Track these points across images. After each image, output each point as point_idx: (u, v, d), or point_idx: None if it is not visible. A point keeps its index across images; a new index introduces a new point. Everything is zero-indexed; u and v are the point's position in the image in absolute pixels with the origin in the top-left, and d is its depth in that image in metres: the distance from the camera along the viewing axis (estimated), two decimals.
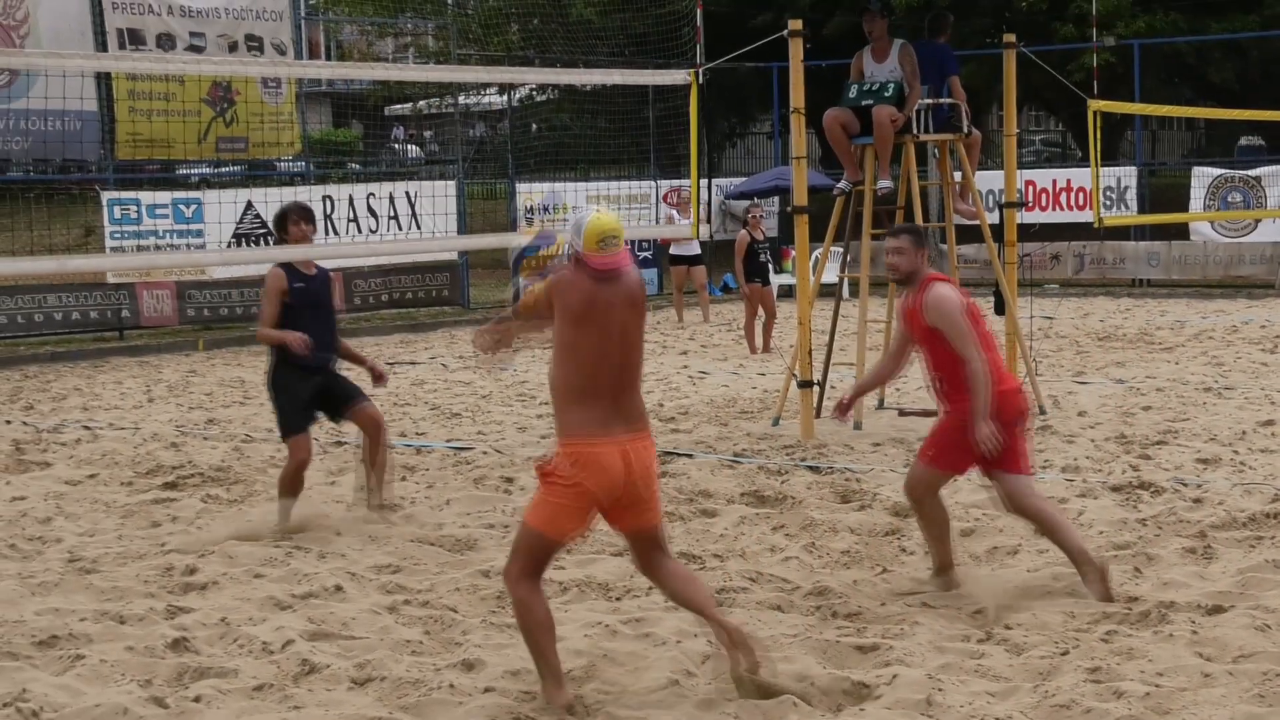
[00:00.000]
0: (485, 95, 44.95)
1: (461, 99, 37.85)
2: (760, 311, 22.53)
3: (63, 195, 33.44)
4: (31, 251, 27.31)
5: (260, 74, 26.84)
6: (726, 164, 40.89)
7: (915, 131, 15.22)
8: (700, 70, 16.08)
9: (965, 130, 15.55)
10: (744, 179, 35.65)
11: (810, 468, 12.95)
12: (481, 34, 42.83)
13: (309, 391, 11.07)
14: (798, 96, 14.71)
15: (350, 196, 27.86)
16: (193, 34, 26.33)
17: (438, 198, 28.77)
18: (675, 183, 32.28)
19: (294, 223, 11.35)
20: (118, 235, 25.11)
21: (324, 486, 12.50)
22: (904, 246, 9.14)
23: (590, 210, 7.51)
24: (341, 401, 11.30)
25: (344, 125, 52.78)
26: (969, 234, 20.99)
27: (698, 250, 27.05)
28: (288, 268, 11.17)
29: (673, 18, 35.68)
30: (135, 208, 25.36)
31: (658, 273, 32.40)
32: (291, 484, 11.13)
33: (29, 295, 24.63)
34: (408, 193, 28.66)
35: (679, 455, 13.64)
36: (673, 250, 27.63)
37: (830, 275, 18.65)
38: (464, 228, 29.37)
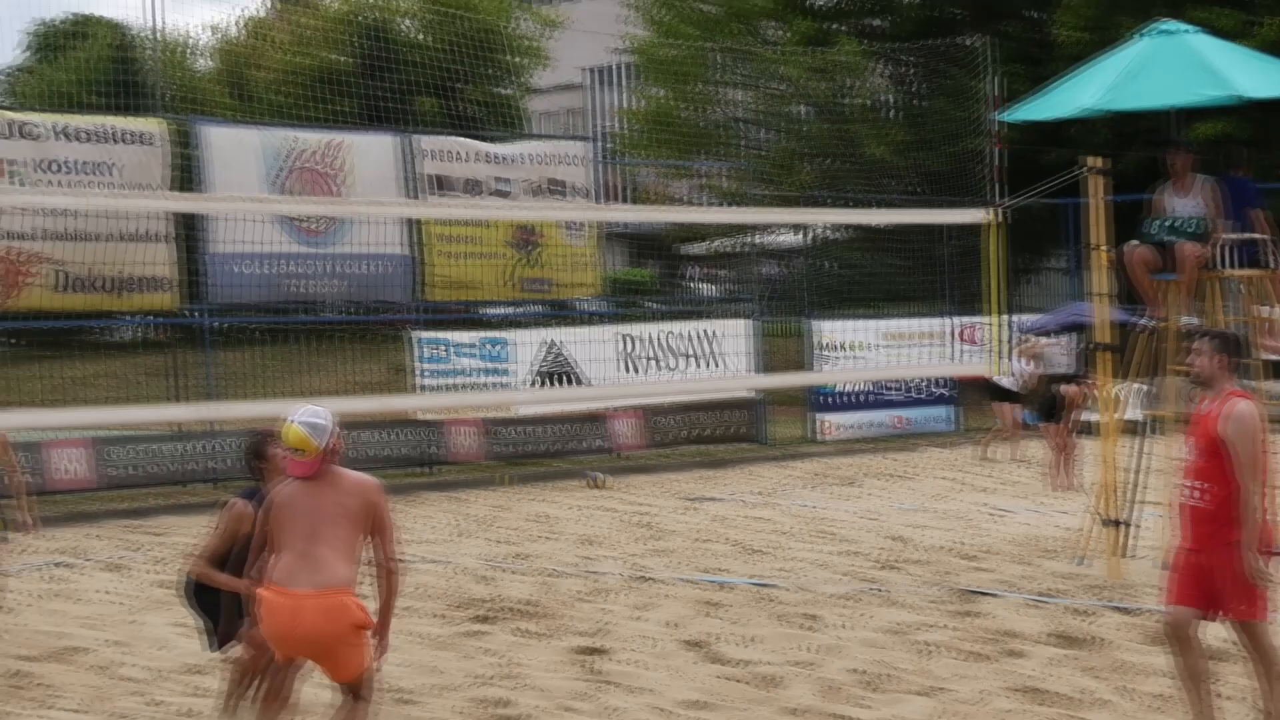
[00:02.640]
0: (779, 234, 45.15)
1: (756, 237, 38.07)
2: (1060, 448, 22.15)
3: (374, 335, 34.33)
4: (345, 389, 28.00)
5: (566, 218, 27.37)
6: (1021, 300, 40.43)
7: (1220, 267, 14.87)
8: (1000, 208, 15.97)
9: (1271, 265, 15.15)
10: (1039, 315, 35.19)
11: (1119, 609, 12.65)
12: (775, 174, 43.18)
13: None
14: (1099, 233, 14.54)
15: (649, 335, 28.11)
16: (498, 179, 26.92)
17: (734, 336, 28.89)
18: (969, 319, 31.98)
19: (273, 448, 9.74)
20: (427, 374, 25.65)
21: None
22: (1204, 349, 8.83)
23: (288, 420, 8.35)
24: None
25: (640, 265, 53.49)
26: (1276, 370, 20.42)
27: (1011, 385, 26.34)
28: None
29: (966, 156, 35.55)
30: (444, 347, 25.90)
31: (954, 410, 32.08)
32: None
33: (344, 431, 25.12)
34: (704, 331, 28.84)
35: (983, 594, 13.43)
36: (997, 381, 26.60)
37: (1134, 412, 18.28)
38: (761, 365, 29.43)
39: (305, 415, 8.40)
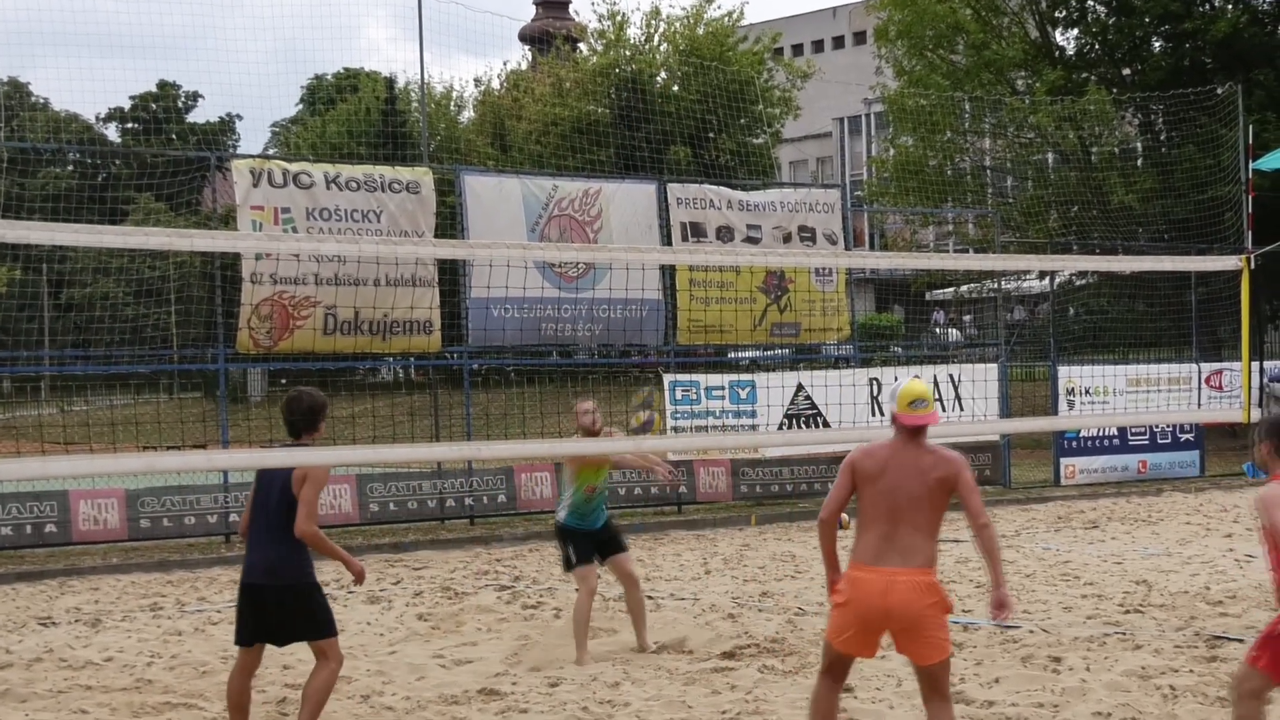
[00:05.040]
0: (1025, 280, 44.70)
1: (1002, 283, 37.75)
2: None
3: (626, 376, 34.65)
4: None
5: (816, 264, 27.37)
6: (1271, 347, 39.51)
7: None
8: (1251, 255, 15.64)
9: None
10: None
11: None
12: (1022, 220, 42.80)
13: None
14: None
15: (896, 379, 27.89)
16: (750, 226, 27.01)
17: (980, 380, 28.63)
18: (1216, 365, 31.38)
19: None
20: (679, 415, 25.79)
21: None
22: (1258, 441, 8.63)
23: (904, 379, 8.64)
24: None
25: (885, 309, 53.28)
26: None
27: None
28: None
29: (1214, 203, 34.91)
30: (694, 389, 26.02)
31: (1200, 454, 31.44)
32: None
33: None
34: (950, 375, 28.61)
35: (1229, 640, 13.13)
36: None
37: None
38: (1006, 410, 29.12)
39: (911, 377, 8.74)
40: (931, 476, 8.35)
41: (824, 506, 8.59)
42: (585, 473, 13.33)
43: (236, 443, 27.60)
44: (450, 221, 26.20)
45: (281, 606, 9.71)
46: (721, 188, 27.75)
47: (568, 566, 13.51)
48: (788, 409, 26.49)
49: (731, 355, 31.14)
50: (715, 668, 12.58)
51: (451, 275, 24.80)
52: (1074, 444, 30.15)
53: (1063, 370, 30.35)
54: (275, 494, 9.74)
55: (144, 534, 22.40)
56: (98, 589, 19.03)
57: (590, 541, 13.38)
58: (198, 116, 79.02)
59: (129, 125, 78.63)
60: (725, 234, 26.71)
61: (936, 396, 27.97)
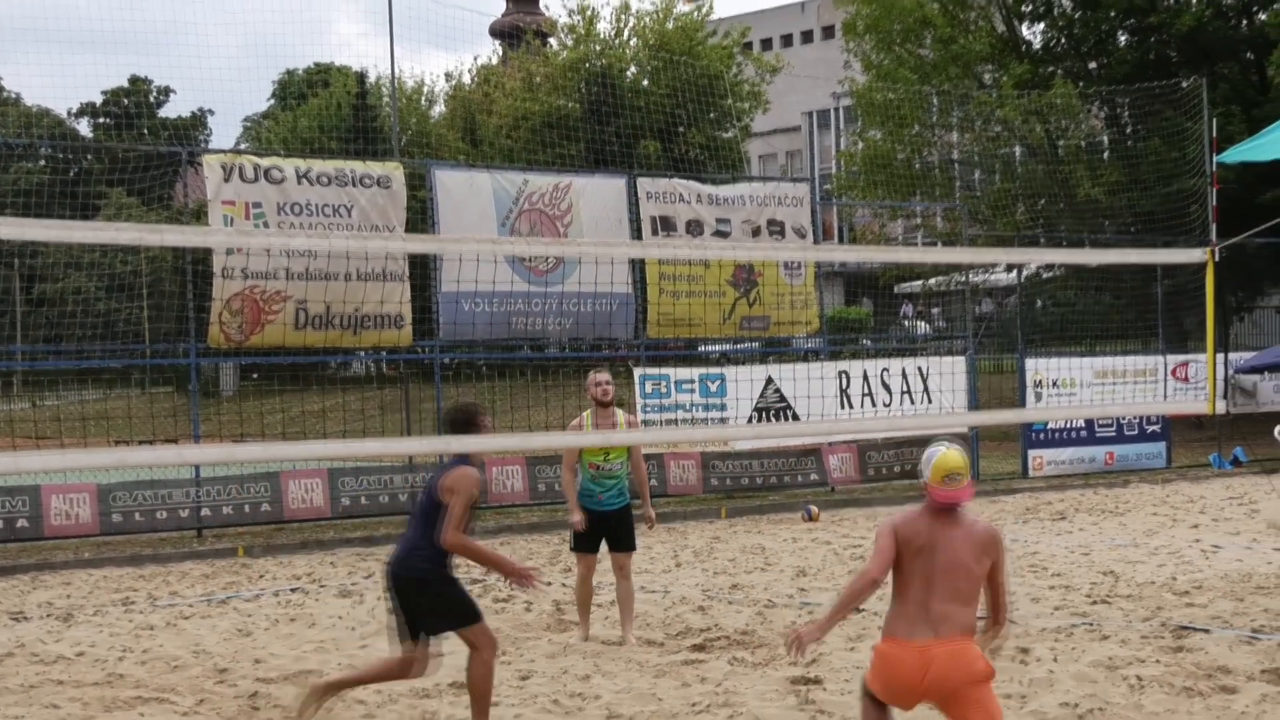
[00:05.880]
0: (992, 273, 44.77)
1: (970, 276, 37.79)
2: None
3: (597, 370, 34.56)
4: (568, 424, 28.13)
5: (785, 258, 27.35)
6: (1236, 339, 39.64)
7: None
8: (1216, 247, 15.65)
9: None
10: (1253, 353, 34.46)
11: None
12: (990, 214, 42.86)
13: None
14: None
15: (865, 372, 27.98)
16: (719, 220, 27.00)
17: (948, 373, 28.65)
18: (1182, 357, 31.46)
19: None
20: (648, 409, 25.76)
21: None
22: None
23: (940, 448, 7.94)
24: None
25: (855, 303, 53.28)
26: None
27: None
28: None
29: (1180, 195, 34.98)
30: (664, 383, 25.99)
31: (1166, 446, 31.52)
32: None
33: (554, 467, 25.04)
34: (919, 368, 28.62)
35: (1195, 630, 13.15)
36: None
37: None
38: (974, 402, 29.16)
39: (952, 443, 8.05)
40: (978, 547, 7.88)
41: (873, 568, 7.91)
42: (588, 452, 13.57)
43: (208, 437, 27.52)
44: (421, 215, 26.13)
45: (419, 597, 9.91)
46: (691, 182, 27.74)
47: (570, 546, 13.87)
48: (757, 402, 26.47)
49: (701, 349, 31.12)
50: (685, 660, 12.56)
51: (422, 269, 24.73)
52: (1042, 436, 30.20)
53: (1030, 362, 30.40)
54: (424, 493, 10.02)
55: (116, 528, 22.29)
56: (69, 583, 18.94)
57: (599, 525, 13.51)
58: (170, 111, 78.75)
59: (101, 120, 78.37)
60: (695, 228, 26.69)
61: (905, 390, 28.02)
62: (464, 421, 10.02)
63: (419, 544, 9.90)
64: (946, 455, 7.86)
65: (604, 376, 13.61)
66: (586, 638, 13.47)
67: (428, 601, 9.92)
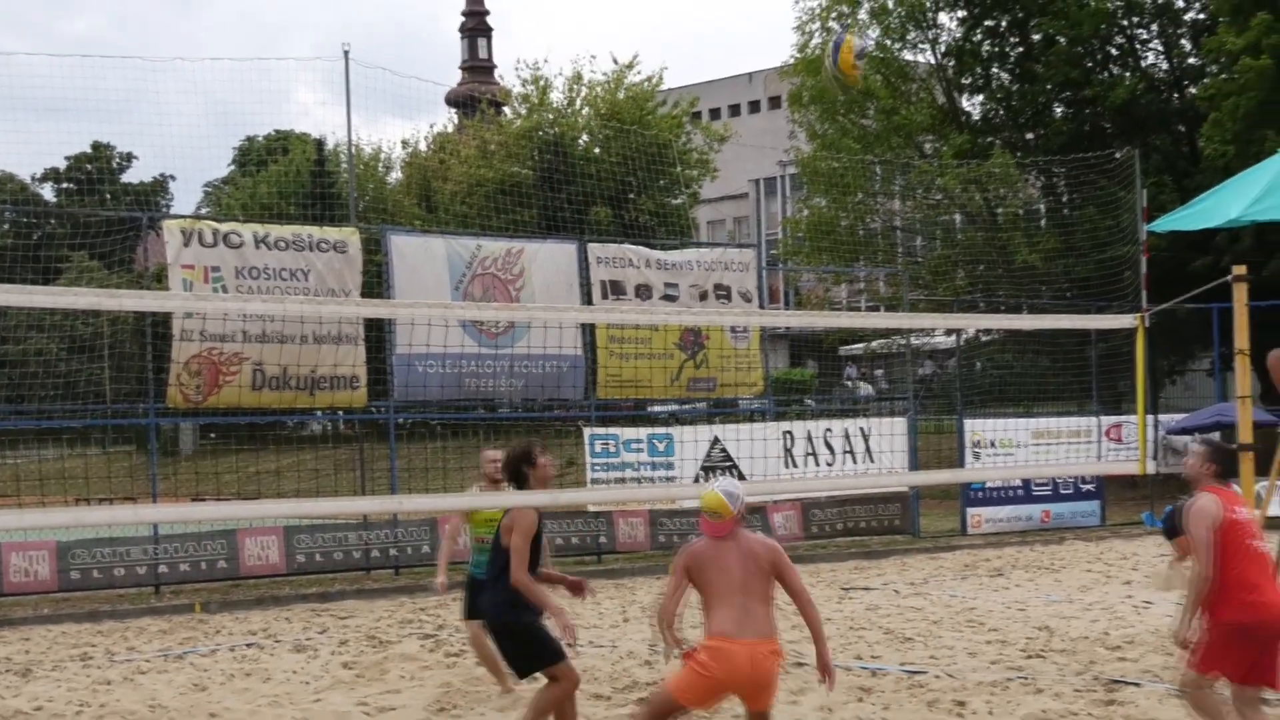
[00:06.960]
0: (933, 336, 45.03)
1: (912, 339, 38.00)
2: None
3: (547, 430, 34.62)
4: None
5: (731, 322, 27.46)
6: (1167, 401, 39.92)
7: None
8: (1147, 313, 15.84)
9: None
10: (1185, 415, 34.72)
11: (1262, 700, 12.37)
12: (930, 279, 43.15)
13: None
14: (1242, 339, 14.33)
15: (808, 432, 28.09)
16: (667, 284, 27.10)
17: (890, 434, 28.77)
18: (1116, 419, 31.68)
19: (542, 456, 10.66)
20: (598, 468, 25.80)
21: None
22: (1201, 461, 9.76)
23: (708, 487, 9.22)
24: None
25: (799, 364, 53.46)
26: None
27: None
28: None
29: (1114, 262, 35.28)
30: (614, 443, 26.04)
31: (1100, 504, 31.71)
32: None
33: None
34: (861, 429, 28.76)
35: (1127, 684, 13.23)
36: None
37: (1276, 508, 18.01)
38: (915, 462, 29.28)
39: (723, 484, 9.19)
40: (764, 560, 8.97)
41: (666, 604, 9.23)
42: (475, 524, 13.72)
43: (167, 495, 27.40)
44: (377, 279, 26.15)
45: (501, 643, 10.40)
46: (640, 247, 27.86)
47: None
48: (704, 461, 26.54)
49: (650, 409, 31.20)
50: (632, 713, 12.55)
51: (377, 332, 24.75)
52: (980, 494, 30.35)
53: (969, 423, 30.57)
54: (495, 540, 10.37)
55: (74, 585, 22.18)
56: (28, 639, 18.82)
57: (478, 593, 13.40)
58: (132, 177, 78.52)
59: (64, 185, 78.11)
60: (644, 292, 26.78)
61: (847, 450, 28.12)
62: (519, 457, 10.53)
63: (496, 590, 10.26)
64: (706, 496, 9.06)
65: (494, 454, 13.57)
66: (508, 690, 13.35)
67: (510, 647, 10.35)
